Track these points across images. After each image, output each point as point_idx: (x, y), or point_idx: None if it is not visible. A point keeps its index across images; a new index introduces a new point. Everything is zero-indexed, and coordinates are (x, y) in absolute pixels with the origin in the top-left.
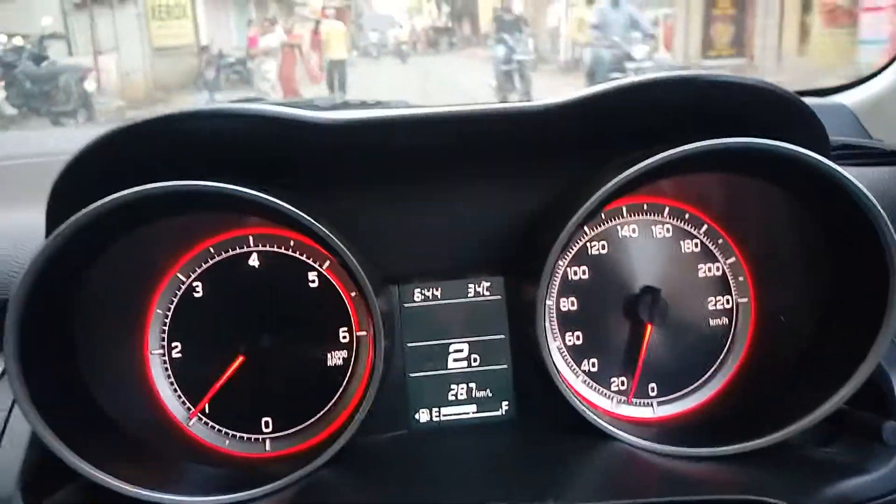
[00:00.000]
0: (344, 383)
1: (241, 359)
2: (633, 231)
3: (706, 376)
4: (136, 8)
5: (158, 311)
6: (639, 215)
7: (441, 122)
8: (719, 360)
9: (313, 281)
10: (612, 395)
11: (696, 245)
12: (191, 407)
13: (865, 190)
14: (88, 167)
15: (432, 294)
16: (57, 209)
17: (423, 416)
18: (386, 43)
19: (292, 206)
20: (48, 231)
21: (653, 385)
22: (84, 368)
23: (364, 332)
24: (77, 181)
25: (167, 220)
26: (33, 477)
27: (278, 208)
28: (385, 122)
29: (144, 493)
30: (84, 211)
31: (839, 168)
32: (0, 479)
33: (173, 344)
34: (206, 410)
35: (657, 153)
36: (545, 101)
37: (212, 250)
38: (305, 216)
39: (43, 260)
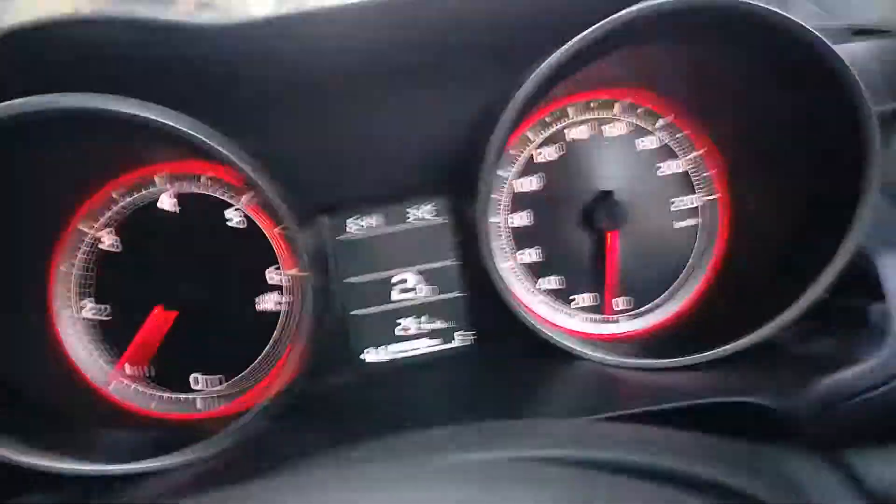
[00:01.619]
0: (277, 329)
1: (160, 311)
2: (585, 132)
3: (677, 284)
4: None
5: (62, 266)
6: (589, 113)
7: (365, 10)
8: (690, 265)
9: (232, 219)
10: (576, 312)
11: (655, 142)
12: (109, 369)
13: (836, 51)
14: None
15: (369, 223)
16: None
17: (370, 355)
18: None
19: (194, 130)
20: None
21: (623, 299)
22: None
23: (295, 271)
24: None
25: (59, 157)
26: None
27: (179, 131)
28: (297, 20)
29: (48, 463)
30: None
31: (805, 24)
32: None
33: (83, 302)
34: (128, 371)
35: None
36: None
37: (115, 195)
38: (212, 137)
39: None
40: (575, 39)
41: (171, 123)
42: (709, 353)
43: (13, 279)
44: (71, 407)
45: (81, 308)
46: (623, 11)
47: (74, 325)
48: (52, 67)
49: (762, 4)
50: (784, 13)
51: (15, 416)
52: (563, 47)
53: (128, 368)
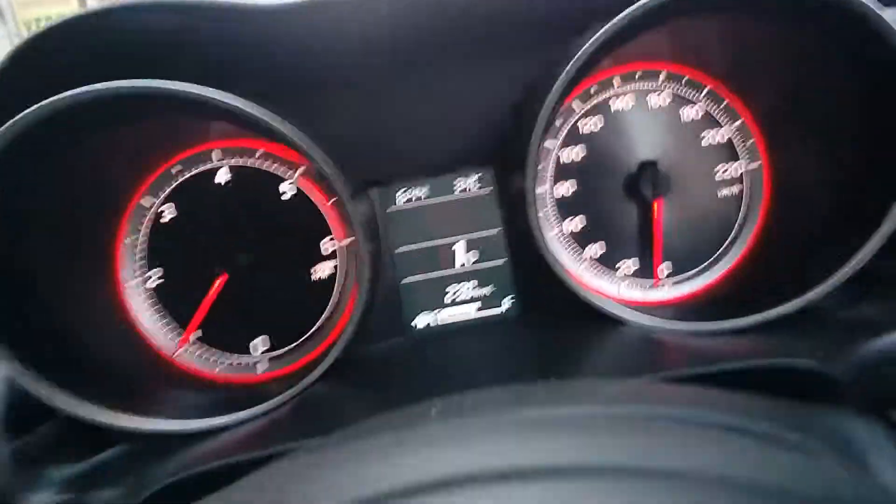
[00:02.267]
0: (333, 296)
1: (223, 278)
2: (629, 102)
3: (721, 250)
4: None
5: (127, 239)
6: (633, 83)
7: None
8: (734, 232)
9: (286, 192)
10: (621, 279)
11: (698, 111)
12: (177, 336)
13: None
14: (21, 71)
15: (418, 194)
16: None
17: (420, 320)
18: None
19: (253, 109)
20: None
21: (666, 264)
22: (55, 304)
23: (349, 240)
24: (9, 89)
25: (120, 138)
26: (11, 416)
27: (238, 111)
28: (348, 2)
29: (124, 421)
30: (9, 123)
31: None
32: None
33: (150, 272)
34: (194, 337)
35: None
36: None
37: (175, 170)
38: (269, 116)
39: None
40: (629, 9)
41: (233, 103)
42: (754, 316)
43: (83, 253)
44: (141, 371)
45: (147, 278)
46: None
47: (140, 294)
48: (112, 53)
49: None
50: None
51: (94, 381)
52: (616, 18)
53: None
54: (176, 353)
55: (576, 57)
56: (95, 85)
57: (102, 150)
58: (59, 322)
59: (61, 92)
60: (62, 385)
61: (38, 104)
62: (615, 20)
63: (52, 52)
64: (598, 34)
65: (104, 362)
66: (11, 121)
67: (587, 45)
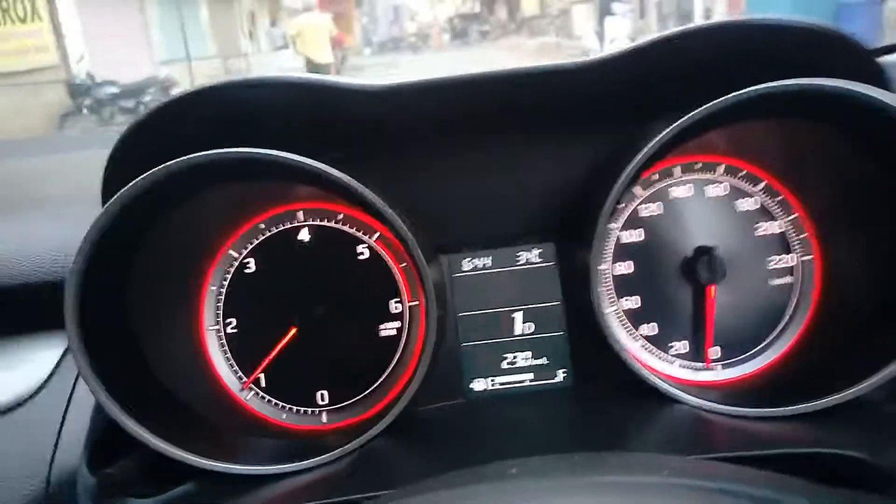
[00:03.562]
0: (397, 354)
1: (293, 330)
2: (687, 191)
3: (772, 337)
4: None
5: (213, 286)
6: (692, 174)
7: (485, 83)
8: (785, 321)
9: (362, 253)
10: (673, 359)
11: (754, 203)
12: (242, 380)
13: None
14: (141, 140)
15: (483, 263)
16: (112, 183)
17: (478, 384)
18: (402, 37)
19: (344, 177)
20: (104, 202)
21: (715, 348)
22: (143, 344)
23: (416, 303)
24: (131, 154)
25: (219, 196)
26: (97, 447)
27: (330, 176)
28: (430, 86)
29: (206, 462)
30: (141, 178)
31: None
32: (67, 450)
33: (228, 319)
34: (263, 384)
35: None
36: (589, 58)
37: (262, 226)
38: (356, 183)
39: (100, 228)
40: (706, 106)
41: (324, 168)
42: (803, 405)
43: (174, 297)
44: (215, 413)
45: (227, 324)
46: (761, 86)
47: (218, 339)
48: (221, 124)
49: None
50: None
51: (174, 419)
52: (692, 113)
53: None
54: (241, 393)
55: (645, 150)
56: (210, 151)
57: (202, 207)
58: (148, 360)
59: (176, 157)
60: (146, 420)
61: (162, 166)
62: (684, 119)
63: (172, 121)
64: (669, 130)
65: (185, 403)
66: (136, 180)
67: (658, 138)
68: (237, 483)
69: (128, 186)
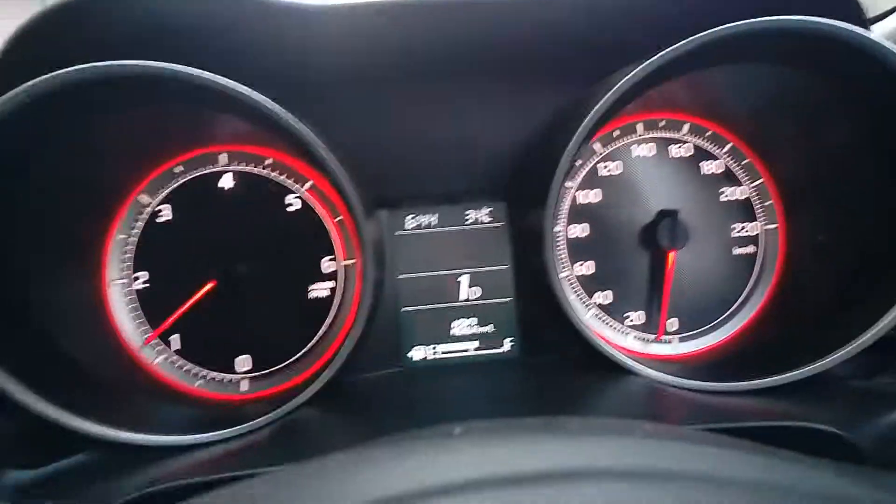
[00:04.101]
0: (329, 318)
1: (211, 284)
2: (650, 150)
3: (732, 309)
4: None
5: (121, 235)
6: (656, 132)
7: (445, 7)
8: (746, 292)
9: (291, 204)
10: (628, 329)
11: (719, 166)
12: (156, 342)
13: None
14: (30, 48)
15: (427, 221)
16: None
17: (417, 353)
18: None
19: (273, 106)
20: None
21: (673, 320)
22: (29, 292)
23: (351, 261)
24: (18, 60)
25: (123, 128)
26: None
27: (258, 105)
28: (383, 8)
29: (98, 428)
30: (26, 86)
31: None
32: None
33: (139, 273)
34: (178, 346)
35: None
36: None
37: (178, 170)
38: (291, 116)
39: None
40: (666, 51)
41: (256, 98)
42: (765, 379)
43: (68, 245)
44: (116, 376)
45: (134, 279)
46: (721, 27)
47: (123, 294)
48: (133, 34)
49: (853, 27)
50: (875, 38)
51: (65, 381)
52: (650, 60)
53: (173, 343)
54: (145, 352)
55: (604, 99)
56: (113, 62)
57: (104, 137)
58: (34, 315)
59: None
60: (31, 382)
61: (49, 75)
62: (644, 65)
63: (72, 26)
64: (626, 78)
65: (78, 363)
66: (16, 89)
67: (618, 84)
68: (139, 454)
69: (9, 94)
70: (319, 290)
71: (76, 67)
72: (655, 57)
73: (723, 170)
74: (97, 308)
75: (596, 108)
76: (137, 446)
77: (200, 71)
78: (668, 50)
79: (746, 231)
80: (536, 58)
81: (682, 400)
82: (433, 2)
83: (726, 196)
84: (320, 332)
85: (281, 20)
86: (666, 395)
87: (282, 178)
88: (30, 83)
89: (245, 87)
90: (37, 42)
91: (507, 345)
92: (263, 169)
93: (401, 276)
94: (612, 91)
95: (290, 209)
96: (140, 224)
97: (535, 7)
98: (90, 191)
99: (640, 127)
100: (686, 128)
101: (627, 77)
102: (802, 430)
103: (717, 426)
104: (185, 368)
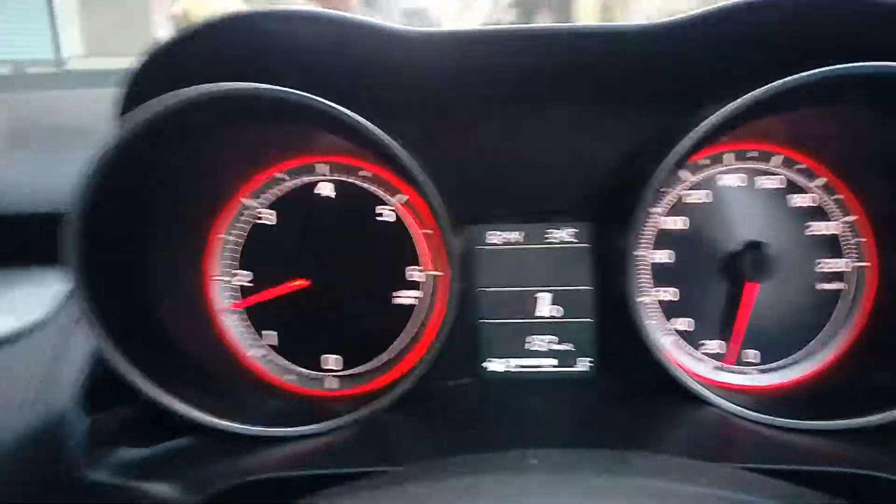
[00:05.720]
0: (414, 325)
1: (303, 283)
2: (739, 180)
3: (815, 346)
4: None
5: (227, 236)
6: (745, 162)
7: (539, 37)
8: (832, 330)
9: (383, 215)
10: (705, 358)
11: (810, 200)
12: (253, 339)
13: None
14: (157, 70)
15: (511, 237)
16: (127, 108)
17: (493, 365)
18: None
19: (376, 128)
20: None
21: (752, 352)
22: (148, 290)
23: (436, 273)
24: (146, 86)
25: (235, 138)
26: (92, 393)
27: (358, 126)
28: (480, 37)
29: (205, 417)
30: (151, 105)
31: None
32: (58, 392)
33: (243, 272)
34: (273, 343)
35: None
36: (654, 21)
37: (281, 177)
38: (386, 137)
39: (107, 157)
40: (763, 89)
41: (357, 119)
42: (847, 420)
43: (180, 242)
44: (218, 370)
45: (235, 275)
46: (821, 69)
47: (226, 290)
48: (251, 56)
49: None
50: None
51: (173, 369)
52: (747, 96)
53: (264, 338)
54: (246, 346)
55: (696, 130)
56: (232, 84)
57: (221, 146)
58: (149, 306)
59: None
60: (145, 369)
61: (190, 88)
62: (741, 101)
63: (198, 49)
64: (728, 107)
65: (183, 353)
66: (147, 103)
67: (710, 119)
68: (234, 442)
69: (138, 109)
70: (403, 297)
71: (206, 87)
72: (757, 91)
73: (813, 204)
74: (202, 301)
75: (685, 139)
76: (233, 434)
77: (314, 97)
78: (765, 87)
79: (833, 267)
80: (627, 86)
81: (752, 436)
82: (531, 32)
83: (813, 230)
84: (405, 338)
85: (385, 44)
86: (736, 429)
87: (376, 189)
88: (170, 94)
89: (349, 112)
90: (168, 59)
91: (584, 364)
92: (360, 180)
93: (482, 289)
94: (706, 123)
95: (381, 219)
96: (242, 226)
97: (631, 39)
98: (204, 194)
99: (729, 157)
100: (777, 160)
101: (722, 111)
102: (870, 479)
103: (776, 467)
104: (276, 363)
